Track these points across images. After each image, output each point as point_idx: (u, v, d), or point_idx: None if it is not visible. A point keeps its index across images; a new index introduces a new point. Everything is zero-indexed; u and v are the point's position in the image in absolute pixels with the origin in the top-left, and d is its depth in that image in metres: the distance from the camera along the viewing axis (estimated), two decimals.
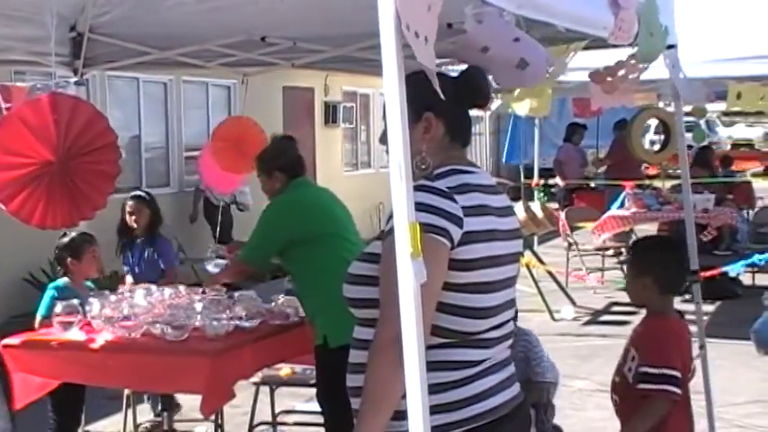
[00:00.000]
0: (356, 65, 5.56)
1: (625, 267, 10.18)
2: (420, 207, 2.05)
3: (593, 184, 13.67)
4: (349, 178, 14.60)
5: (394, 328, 1.98)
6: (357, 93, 15.36)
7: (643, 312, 3.44)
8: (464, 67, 2.47)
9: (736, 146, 26.87)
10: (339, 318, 2.79)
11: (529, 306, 8.84)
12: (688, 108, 13.66)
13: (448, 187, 2.21)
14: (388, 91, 1.83)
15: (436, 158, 2.31)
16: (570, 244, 10.71)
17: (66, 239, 4.97)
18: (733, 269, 8.47)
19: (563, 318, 8.82)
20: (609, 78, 3.33)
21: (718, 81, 7.70)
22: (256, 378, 5.05)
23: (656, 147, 13.58)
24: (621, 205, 10.95)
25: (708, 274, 7.55)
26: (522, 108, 8.54)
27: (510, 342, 2.39)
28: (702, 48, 6.53)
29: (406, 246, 1.82)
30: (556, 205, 12.27)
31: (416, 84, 2.13)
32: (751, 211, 12.45)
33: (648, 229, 11.71)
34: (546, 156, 14.16)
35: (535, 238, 10.85)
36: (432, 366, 2.10)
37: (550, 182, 13.34)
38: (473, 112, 2.48)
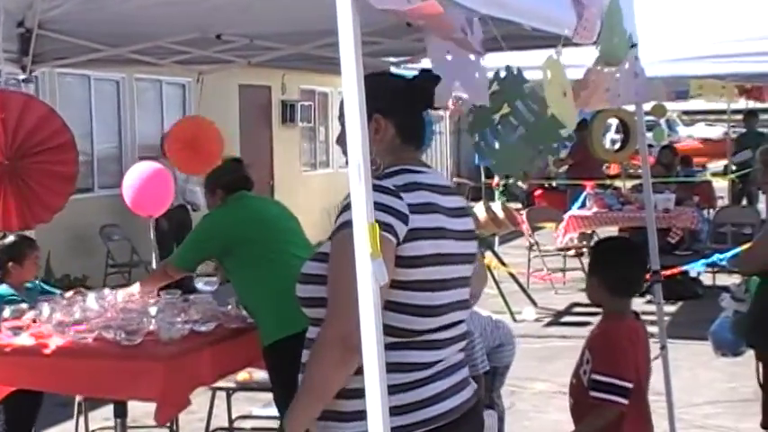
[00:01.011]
0: (314, 63, 5.56)
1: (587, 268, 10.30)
2: None
3: (554, 184, 13.79)
4: (307, 178, 14.58)
5: (340, 327, 2.08)
6: (315, 91, 15.34)
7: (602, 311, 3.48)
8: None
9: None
10: (274, 317, 2.87)
11: (490, 307, 8.87)
12: (648, 107, 13.82)
13: (395, 185, 2.25)
14: (347, 89, 1.83)
15: (386, 159, 2.35)
16: (531, 244, 10.80)
17: (6, 241, 4.89)
18: (694, 268, 8.59)
19: (524, 319, 8.88)
20: (582, 92, 3.33)
21: (678, 80, 7.81)
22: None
23: (617, 146, 13.70)
24: (582, 205, 11.07)
25: (668, 273, 7.66)
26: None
27: (463, 344, 2.41)
28: (663, 46, 6.61)
29: (366, 246, 1.83)
30: (519, 206, 12.35)
31: (366, 84, 2.20)
32: (711, 211, 12.63)
33: (613, 230, 11.87)
34: None
35: (496, 239, 10.92)
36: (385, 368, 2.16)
37: (511, 181, 13.42)
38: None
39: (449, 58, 2.22)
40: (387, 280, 1.90)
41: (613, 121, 13.54)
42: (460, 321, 2.38)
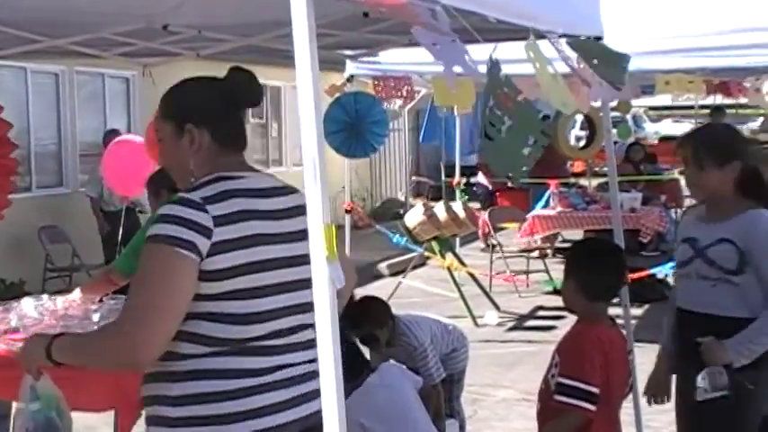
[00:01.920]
0: (266, 56, 5.53)
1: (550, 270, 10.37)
2: (169, 219, 2.22)
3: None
4: None
5: (130, 326, 2.19)
6: (267, 85, 15.26)
7: (571, 317, 3.48)
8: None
9: (664, 141, 27.58)
10: None
11: (450, 312, 8.91)
12: (613, 103, 13.94)
13: (202, 197, 2.28)
14: (301, 83, 1.82)
15: (203, 169, 2.39)
16: (494, 246, 10.85)
17: None
18: (661, 271, 8.68)
19: (486, 323, 8.92)
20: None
21: (645, 75, 7.90)
22: None
23: (582, 143, 13.84)
24: (546, 204, 11.14)
25: (635, 276, 7.74)
26: (445, 102, 8.64)
27: (313, 352, 2.37)
28: (629, 40, 6.68)
29: (322, 249, 1.82)
30: (478, 205, 12.40)
31: (174, 96, 2.38)
32: (679, 210, 12.77)
33: (578, 234, 11.97)
34: (467, 153, 14.30)
35: (457, 240, 10.95)
36: (204, 375, 2.25)
37: (472, 180, 13.49)
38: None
39: (438, 46, 2.25)
40: (344, 283, 1.90)
41: (578, 117, 13.66)
42: (304, 326, 2.38)
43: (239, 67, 2.47)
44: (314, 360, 2.28)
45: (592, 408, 3.15)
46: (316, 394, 2.27)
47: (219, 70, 2.52)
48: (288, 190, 2.48)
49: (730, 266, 3.48)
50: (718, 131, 3.87)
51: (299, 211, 2.35)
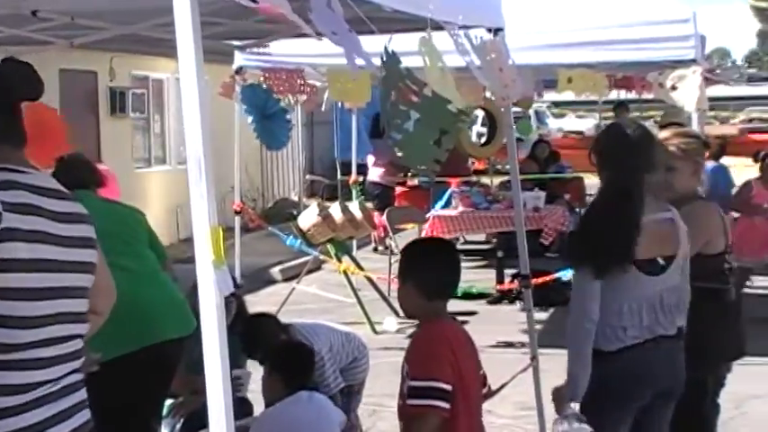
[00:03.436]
0: (147, 45, 5.46)
1: None
2: None
3: (416, 182, 13.95)
4: (141, 176, 14.26)
5: None
6: (149, 78, 15.03)
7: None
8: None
9: (566, 137, 28.20)
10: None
11: (348, 318, 8.93)
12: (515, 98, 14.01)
13: None
14: (185, 75, 1.80)
15: None
16: (392, 248, 10.90)
17: None
18: (565, 275, 8.84)
19: (385, 330, 8.95)
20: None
21: (548, 69, 8.04)
22: None
23: (483, 140, 14.01)
24: (447, 204, 11.24)
25: (540, 281, 7.87)
26: (340, 97, 8.64)
27: (77, 364, 2.37)
28: (530, 33, 6.80)
29: (208, 253, 1.80)
30: (371, 205, 12.43)
31: None
32: (583, 210, 13.03)
33: (480, 237, 12.12)
34: (363, 151, 14.34)
35: (354, 243, 10.97)
36: None
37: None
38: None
39: (337, 36, 2.26)
40: (232, 290, 1.88)
41: (479, 113, 13.82)
42: (72, 337, 2.36)
43: (13, 58, 2.46)
44: (76, 371, 2.35)
45: (446, 405, 3.14)
46: (76, 409, 2.32)
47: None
48: (68, 195, 2.46)
49: None
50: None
51: (79, 218, 2.40)
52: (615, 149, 3.69)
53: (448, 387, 3.15)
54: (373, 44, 2.80)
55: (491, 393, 3.63)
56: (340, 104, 11.58)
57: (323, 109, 10.02)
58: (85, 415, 2.37)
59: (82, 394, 2.36)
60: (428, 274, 3.32)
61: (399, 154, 3.16)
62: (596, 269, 3.53)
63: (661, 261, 3.65)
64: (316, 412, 4.21)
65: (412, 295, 3.32)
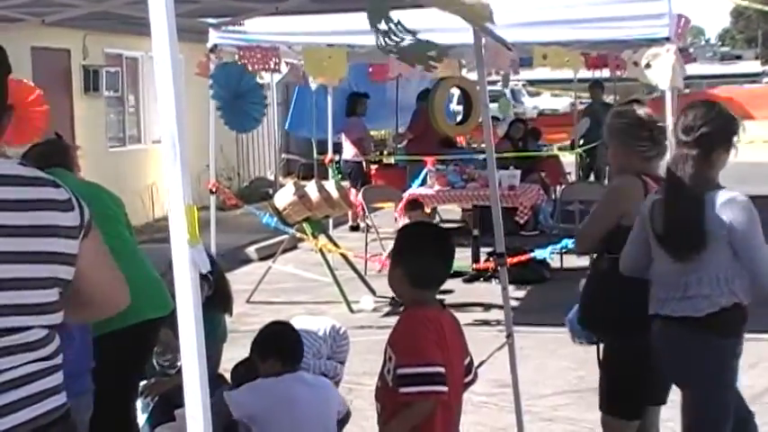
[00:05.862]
0: (120, 23, 5.41)
1: None
2: None
3: (392, 160, 13.94)
4: (115, 155, 14.17)
5: None
6: (123, 56, 14.92)
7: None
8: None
9: (542, 116, 28.28)
10: None
11: (324, 297, 8.94)
12: (494, 77, 14.09)
13: None
14: (158, 53, 1.79)
15: None
16: (369, 227, 10.91)
17: None
18: (541, 255, 8.87)
19: (362, 309, 8.96)
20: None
21: (523, 47, 8.05)
22: None
23: (459, 118, 13.99)
24: (423, 183, 11.25)
25: (515, 260, 7.89)
26: (315, 74, 8.62)
27: (11, 359, 2.26)
28: (506, 11, 6.79)
29: (183, 232, 1.79)
30: (347, 184, 12.41)
31: None
32: (559, 188, 13.06)
33: (452, 208, 12.13)
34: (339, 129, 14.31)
35: (330, 221, 10.96)
36: None
37: (341, 158, 13.45)
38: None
39: None
40: (209, 268, 1.88)
41: (455, 91, 13.79)
42: (15, 329, 2.24)
43: None
44: (35, 361, 2.24)
45: (444, 389, 3.14)
46: (15, 407, 2.20)
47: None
48: (34, 182, 2.29)
49: None
50: None
51: (26, 206, 2.24)
52: None
53: (441, 369, 3.14)
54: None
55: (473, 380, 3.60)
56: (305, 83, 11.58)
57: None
58: (46, 405, 2.25)
59: (42, 384, 2.25)
60: (418, 263, 3.30)
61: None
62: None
63: None
64: (314, 393, 4.21)
65: (400, 280, 3.32)
